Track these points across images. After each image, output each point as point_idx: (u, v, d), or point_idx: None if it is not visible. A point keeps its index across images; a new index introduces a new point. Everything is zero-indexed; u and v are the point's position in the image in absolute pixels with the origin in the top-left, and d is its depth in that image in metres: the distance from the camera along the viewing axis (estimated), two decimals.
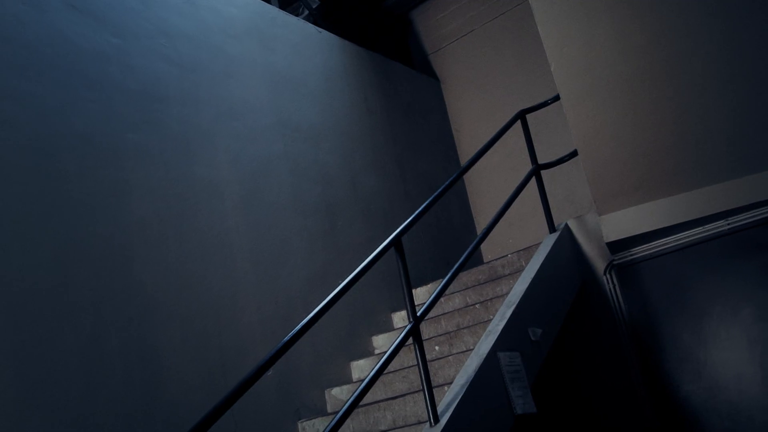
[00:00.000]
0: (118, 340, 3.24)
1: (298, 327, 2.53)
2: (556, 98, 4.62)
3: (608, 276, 4.33)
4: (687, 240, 4.13)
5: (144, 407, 3.20)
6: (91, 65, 3.60)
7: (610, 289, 4.30)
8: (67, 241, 3.21)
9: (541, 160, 4.78)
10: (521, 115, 4.81)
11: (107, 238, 3.38)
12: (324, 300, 2.71)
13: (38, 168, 3.20)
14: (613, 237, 4.10)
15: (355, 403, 2.61)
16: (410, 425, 3.23)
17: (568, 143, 4.76)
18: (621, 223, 4.07)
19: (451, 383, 3.17)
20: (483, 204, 6.56)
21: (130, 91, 3.77)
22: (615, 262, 4.31)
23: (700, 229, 4.05)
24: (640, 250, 4.24)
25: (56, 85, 3.41)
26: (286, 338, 2.45)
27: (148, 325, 3.37)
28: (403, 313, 4.91)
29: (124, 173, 3.59)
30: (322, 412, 4.06)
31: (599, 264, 4.39)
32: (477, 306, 4.36)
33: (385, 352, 2.89)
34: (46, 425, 2.84)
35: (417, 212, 3.43)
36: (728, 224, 3.97)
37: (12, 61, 3.25)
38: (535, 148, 4.78)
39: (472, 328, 3.97)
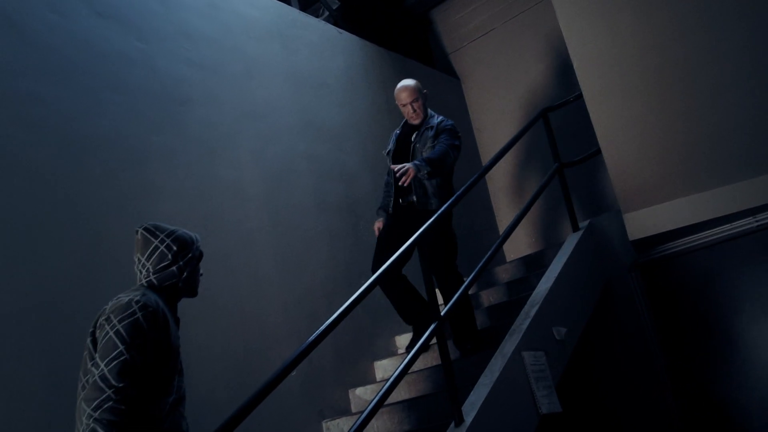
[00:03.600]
0: None
1: (323, 327, 2.51)
2: (579, 96, 4.58)
3: (633, 275, 4.27)
4: (713, 237, 4.05)
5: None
6: (115, 69, 3.62)
7: (635, 287, 4.24)
8: (94, 243, 3.23)
9: (564, 159, 4.74)
10: (544, 114, 4.77)
11: (133, 241, 3.39)
12: (348, 300, 2.69)
13: (65, 170, 3.23)
14: (637, 235, 4.05)
15: (380, 403, 2.59)
16: (435, 425, 3.21)
17: (591, 141, 4.70)
18: (646, 221, 4.02)
19: (475, 383, 3.14)
20: (505, 203, 6.52)
21: (154, 93, 3.79)
22: (640, 261, 4.25)
23: (727, 226, 3.98)
24: (666, 248, 4.17)
25: (82, 88, 3.43)
26: (311, 338, 2.44)
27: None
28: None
29: (149, 175, 3.60)
30: (346, 412, 4.06)
31: (624, 262, 4.34)
32: (500, 305, 4.35)
33: (409, 352, 2.87)
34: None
35: (439, 212, 3.40)
36: (756, 221, 3.88)
37: (40, 67, 3.28)
38: (557, 146, 4.74)
39: (495, 328, 3.95)
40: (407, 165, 3.42)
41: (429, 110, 3.95)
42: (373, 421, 3.51)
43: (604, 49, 4.22)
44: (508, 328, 3.55)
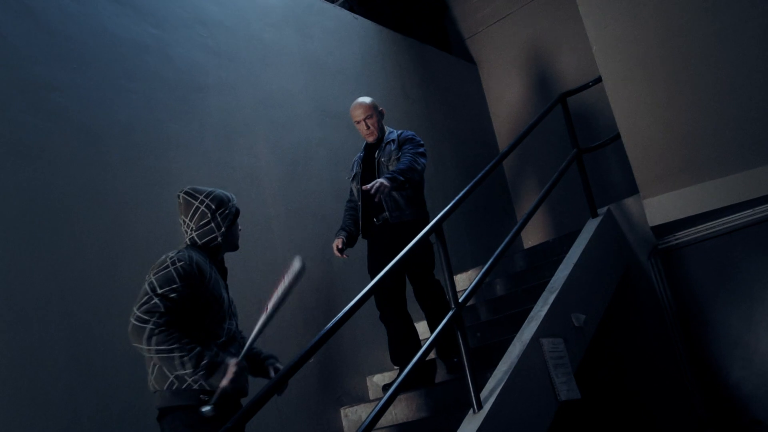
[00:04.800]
0: None
1: (340, 315, 2.50)
2: (598, 80, 4.52)
3: (653, 261, 4.23)
4: (735, 223, 3.99)
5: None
6: (131, 56, 3.63)
7: (655, 274, 4.19)
8: (113, 230, 3.24)
9: (582, 144, 4.69)
10: (562, 98, 4.72)
11: (151, 227, 3.41)
12: (365, 287, 2.68)
13: (82, 158, 3.24)
14: (657, 221, 4.00)
15: (398, 390, 2.59)
16: (454, 412, 3.21)
17: (610, 126, 4.64)
18: (666, 207, 3.96)
19: (493, 370, 3.12)
20: (523, 190, 6.47)
21: (170, 80, 3.79)
22: (660, 247, 4.20)
23: (749, 211, 3.91)
24: (686, 234, 4.11)
25: (99, 75, 3.44)
26: (329, 326, 2.44)
27: None
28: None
29: (166, 162, 3.61)
30: (364, 399, 4.06)
31: (643, 249, 4.29)
32: (518, 292, 4.33)
33: (428, 339, 2.86)
34: (100, 414, 2.89)
35: (457, 198, 3.37)
36: None
37: (57, 54, 3.29)
38: (576, 131, 4.68)
39: (513, 315, 3.93)
40: (378, 180, 3.31)
41: (387, 127, 3.89)
42: (391, 407, 3.51)
43: (624, 31, 4.15)
44: (526, 315, 3.52)
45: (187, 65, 3.92)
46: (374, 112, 3.80)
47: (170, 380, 2.24)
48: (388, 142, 3.77)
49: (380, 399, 2.55)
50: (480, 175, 3.63)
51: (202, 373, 2.18)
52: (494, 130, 6.72)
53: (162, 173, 3.57)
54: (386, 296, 3.66)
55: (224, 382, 2.20)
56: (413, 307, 3.83)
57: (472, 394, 2.84)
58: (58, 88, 3.25)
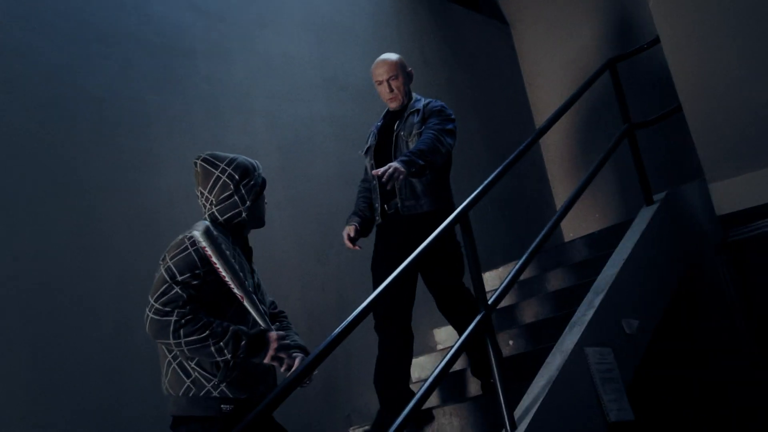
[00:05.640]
0: (145, 331, 3.27)
1: (349, 319, 2.46)
2: (655, 42, 4.47)
3: (721, 256, 4.20)
4: None
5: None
6: (104, 15, 3.62)
7: (723, 272, 4.16)
8: (83, 221, 3.24)
9: (635, 118, 4.62)
10: (611, 65, 4.67)
11: (128, 217, 3.41)
12: (378, 288, 2.65)
13: (49, 135, 3.24)
14: (727, 209, 3.99)
15: (416, 408, 2.56)
16: None
17: (669, 96, 4.58)
18: (736, 193, 3.94)
19: (529, 384, 3.10)
20: (563, 172, 6.45)
21: (151, 45, 3.78)
22: (729, 240, 4.17)
23: None
24: (762, 225, 4.06)
25: (64, 38, 3.43)
26: (335, 332, 2.39)
27: None
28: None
29: (147, 141, 3.61)
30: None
31: (709, 242, 4.27)
32: (558, 293, 4.30)
33: (451, 348, 2.84)
34: (70, 426, 2.90)
35: (485, 183, 3.34)
36: None
37: (12, 11, 3.28)
38: (627, 103, 4.61)
39: (552, 320, 3.90)
40: (391, 165, 3.11)
41: (414, 94, 3.71)
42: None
43: None
44: (567, 319, 3.50)
45: (170, 27, 3.91)
46: (401, 72, 3.62)
47: (186, 385, 2.26)
48: (412, 112, 3.58)
49: (396, 417, 2.52)
50: (513, 155, 3.60)
51: (242, 354, 2.22)
52: (529, 102, 6.70)
53: (141, 154, 3.56)
54: (389, 304, 3.36)
55: (267, 360, 2.28)
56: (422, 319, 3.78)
57: (505, 414, 2.81)
58: (19, 53, 3.23)
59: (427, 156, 3.27)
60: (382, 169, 3.10)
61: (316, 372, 2.28)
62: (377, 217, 3.57)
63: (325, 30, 4.89)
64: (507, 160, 3.54)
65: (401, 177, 3.12)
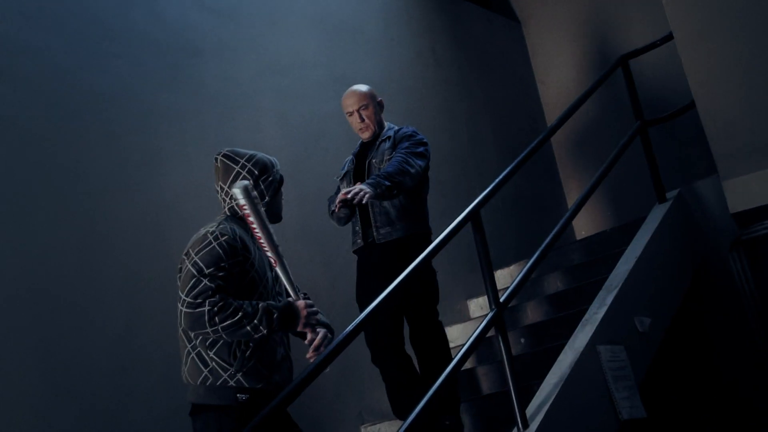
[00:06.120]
0: (155, 331, 3.28)
1: (360, 317, 2.47)
2: (668, 38, 4.45)
3: (735, 254, 4.17)
4: None
5: (185, 407, 3.23)
6: (113, 14, 3.62)
7: (737, 270, 4.13)
8: (94, 219, 3.25)
9: (647, 116, 4.62)
10: (623, 61, 4.68)
11: (140, 213, 3.42)
12: (389, 287, 2.64)
13: (58, 133, 3.25)
14: (740, 206, 3.95)
15: (428, 407, 2.55)
16: (495, 430, 3.18)
17: (682, 93, 4.55)
18: (751, 190, 3.91)
19: (541, 382, 3.10)
20: (575, 170, 6.43)
21: (160, 43, 3.79)
22: (744, 237, 4.13)
23: None
24: None
25: (74, 37, 3.44)
26: (347, 330, 2.39)
27: None
28: (482, 299, 4.86)
29: (157, 139, 3.62)
30: (388, 416, 4.04)
31: (723, 240, 4.25)
32: (570, 291, 4.29)
33: (462, 346, 2.83)
34: (78, 427, 2.90)
35: (497, 181, 3.35)
36: None
37: (22, 11, 3.29)
38: (640, 100, 4.61)
39: (564, 318, 3.90)
40: (357, 185, 3.09)
41: (387, 123, 3.68)
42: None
43: None
44: (579, 318, 3.50)
45: (179, 25, 3.92)
46: (371, 102, 3.59)
47: (204, 375, 2.33)
48: (384, 140, 3.56)
49: (408, 416, 2.51)
50: (524, 153, 3.61)
51: (277, 327, 2.31)
52: (541, 99, 6.68)
53: (152, 152, 3.57)
54: (379, 333, 3.35)
55: (300, 327, 2.38)
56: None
57: (516, 411, 2.82)
58: (28, 52, 3.24)
59: (394, 177, 3.21)
60: (348, 190, 3.08)
61: (328, 369, 2.28)
62: (359, 240, 3.53)
63: (335, 28, 4.88)
64: (518, 158, 3.55)
65: (367, 196, 3.06)
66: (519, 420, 2.80)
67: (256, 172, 2.52)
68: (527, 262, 3.31)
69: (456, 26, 6.02)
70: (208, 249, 2.33)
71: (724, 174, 4.01)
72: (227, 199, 2.53)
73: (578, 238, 5.99)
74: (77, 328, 3.05)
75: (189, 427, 3.18)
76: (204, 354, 2.36)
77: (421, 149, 3.45)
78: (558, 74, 6.57)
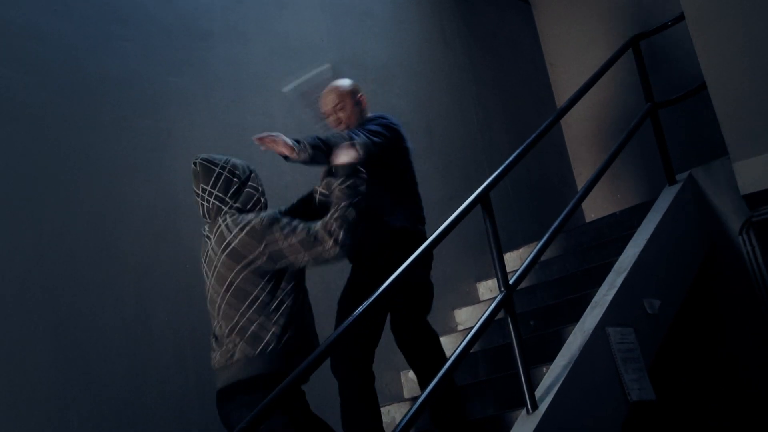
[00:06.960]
0: (166, 314, 3.30)
1: (368, 302, 2.47)
2: (679, 18, 4.42)
3: (745, 236, 4.14)
4: None
5: (198, 389, 3.27)
6: None
7: (747, 251, 4.10)
8: (105, 202, 3.26)
9: (658, 97, 4.59)
10: (634, 42, 4.65)
11: (150, 198, 3.43)
12: (396, 270, 2.64)
13: (68, 117, 3.25)
14: (751, 188, 3.92)
15: (437, 389, 2.57)
16: (503, 412, 3.19)
17: (693, 75, 4.52)
18: (762, 172, 3.88)
19: (550, 364, 3.10)
20: (584, 153, 6.40)
21: (170, 27, 3.79)
22: (754, 219, 4.11)
23: None
24: None
25: (87, 21, 3.44)
26: (355, 314, 2.41)
27: (199, 297, 3.41)
28: (491, 282, 4.86)
29: (166, 123, 3.62)
30: (398, 398, 4.07)
31: (733, 222, 4.21)
32: (579, 274, 4.29)
33: (471, 328, 2.84)
34: (92, 412, 2.93)
35: (507, 163, 3.34)
36: None
37: None
38: (650, 82, 4.58)
39: (573, 300, 3.89)
40: (276, 134, 2.64)
41: (371, 115, 3.31)
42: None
43: None
44: (588, 300, 3.49)
45: (188, 9, 3.91)
46: (349, 100, 3.24)
47: (264, 342, 2.35)
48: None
49: (417, 398, 2.52)
50: (534, 136, 3.59)
51: (353, 182, 2.52)
52: (551, 82, 6.65)
53: (162, 135, 3.58)
54: (347, 344, 2.83)
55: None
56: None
57: (526, 393, 2.82)
58: (39, 36, 3.25)
59: (330, 141, 2.75)
60: (263, 134, 2.65)
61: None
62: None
63: (344, 11, 4.86)
64: (528, 141, 3.54)
65: (282, 143, 2.59)
66: (528, 402, 2.81)
67: (238, 172, 2.55)
68: (537, 245, 3.31)
69: (465, 8, 5.98)
70: (270, 215, 2.44)
71: (734, 156, 3.98)
72: (210, 200, 2.51)
73: (588, 220, 5.98)
74: (92, 310, 3.07)
75: (201, 407, 3.22)
76: (259, 330, 2.37)
77: (374, 127, 3.03)
78: (568, 56, 6.53)
